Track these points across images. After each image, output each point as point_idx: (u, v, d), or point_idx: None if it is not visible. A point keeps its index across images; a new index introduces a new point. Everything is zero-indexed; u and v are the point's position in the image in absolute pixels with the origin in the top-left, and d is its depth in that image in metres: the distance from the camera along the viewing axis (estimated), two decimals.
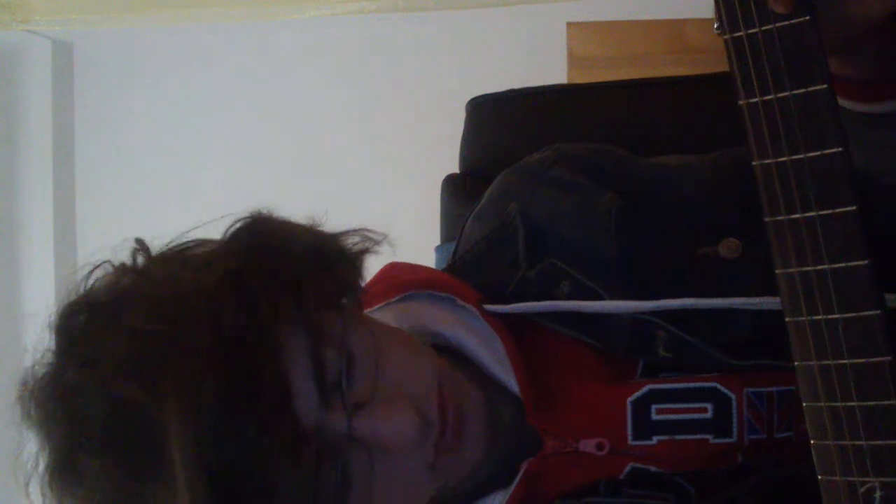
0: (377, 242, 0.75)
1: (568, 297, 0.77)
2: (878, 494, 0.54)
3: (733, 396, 0.73)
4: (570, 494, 0.74)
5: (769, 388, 0.73)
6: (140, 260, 0.69)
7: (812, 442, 0.56)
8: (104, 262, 0.69)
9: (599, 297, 0.76)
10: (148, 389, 0.61)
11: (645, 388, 0.74)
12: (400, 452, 0.67)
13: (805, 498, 0.59)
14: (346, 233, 0.74)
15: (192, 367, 0.60)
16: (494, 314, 0.79)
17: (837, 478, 0.55)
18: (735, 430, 0.73)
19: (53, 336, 0.67)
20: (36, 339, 0.68)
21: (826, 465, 0.56)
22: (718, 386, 0.74)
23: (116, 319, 0.64)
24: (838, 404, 0.54)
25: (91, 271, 0.69)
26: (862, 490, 0.55)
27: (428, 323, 0.80)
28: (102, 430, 0.62)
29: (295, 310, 0.64)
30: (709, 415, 0.73)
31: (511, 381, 0.76)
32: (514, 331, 0.78)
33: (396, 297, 0.83)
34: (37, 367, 0.67)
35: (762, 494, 0.71)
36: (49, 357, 0.66)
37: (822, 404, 0.55)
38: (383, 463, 0.67)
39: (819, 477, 0.57)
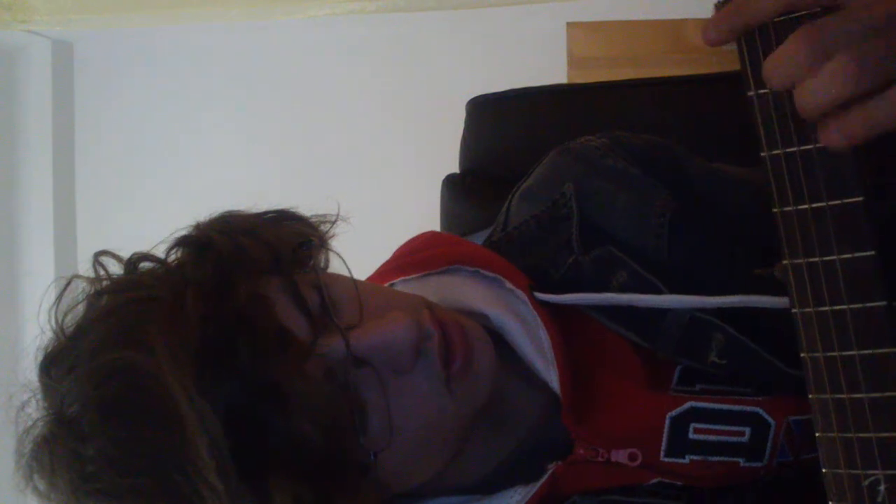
0: (332, 223, 0.74)
1: (623, 288, 0.73)
2: (882, 487, 0.54)
3: (773, 423, 0.70)
4: (588, 491, 0.71)
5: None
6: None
7: (817, 434, 0.56)
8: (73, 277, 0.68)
9: (658, 291, 0.72)
10: (133, 345, 0.59)
11: (687, 405, 0.71)
12: (402, 360, 0.65)
13: (811, 492, 0.59)
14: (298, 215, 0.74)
15: (171, 311, 0.59)
16: (544, 303, 0.74)
17: (842, 470, 0.55)
18: (768, 455, 0.71)
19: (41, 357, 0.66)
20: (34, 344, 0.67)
21: (830, 457, 0.56)
22: (762, 412, 0.71)
23: (94, 308, 0.65)
24: (844, 396, 0.54)
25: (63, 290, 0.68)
26: (866, 483, 0.54)
27: (464, 299, 0.76)
28: (98, 403, 0.60)
29: (265, 258, 0.65)
30: (745, 439, 0.70)
31: (551, 375, 0.73)
32: (559, 318, 0.75)
33: (439, 269, 0.80)
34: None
35: (770, 490, 0.70)
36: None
37: (827, 396, 0.55)
38: (395, 382, 0.65)
39: (823, 470, 0.56)
